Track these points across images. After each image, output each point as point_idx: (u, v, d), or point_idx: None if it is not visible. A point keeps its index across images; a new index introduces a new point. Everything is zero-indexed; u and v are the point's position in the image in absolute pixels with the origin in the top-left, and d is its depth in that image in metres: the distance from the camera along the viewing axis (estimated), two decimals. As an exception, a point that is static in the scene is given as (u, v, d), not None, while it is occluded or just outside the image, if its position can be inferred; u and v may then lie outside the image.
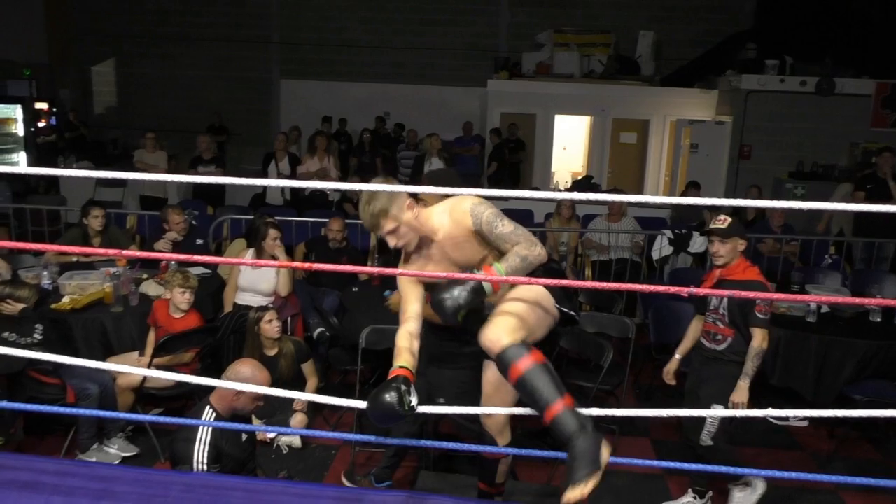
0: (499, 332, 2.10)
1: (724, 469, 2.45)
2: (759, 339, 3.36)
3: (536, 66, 11.80)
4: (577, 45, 11.87)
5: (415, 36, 13.24)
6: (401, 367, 2.15)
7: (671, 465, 2.16)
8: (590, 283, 2.21)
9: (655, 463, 2.20)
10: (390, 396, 2.00)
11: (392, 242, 2.28)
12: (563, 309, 2.42)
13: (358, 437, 2.66)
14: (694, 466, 2.11)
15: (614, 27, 12.22)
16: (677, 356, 3.77)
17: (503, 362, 2.07)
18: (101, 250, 2.21)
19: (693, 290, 2.98)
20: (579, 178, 10.98)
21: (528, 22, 12.77)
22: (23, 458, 2.76)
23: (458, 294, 2.13)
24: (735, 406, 3.40)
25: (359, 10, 13.29)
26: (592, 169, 11.50)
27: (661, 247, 6.31)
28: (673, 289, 2.82)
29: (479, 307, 2.28)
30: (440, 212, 2.36)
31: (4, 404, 3.02)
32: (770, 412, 2.10)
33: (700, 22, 12.51)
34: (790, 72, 10.16)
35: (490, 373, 2.56)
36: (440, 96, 12.97)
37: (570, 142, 12.44)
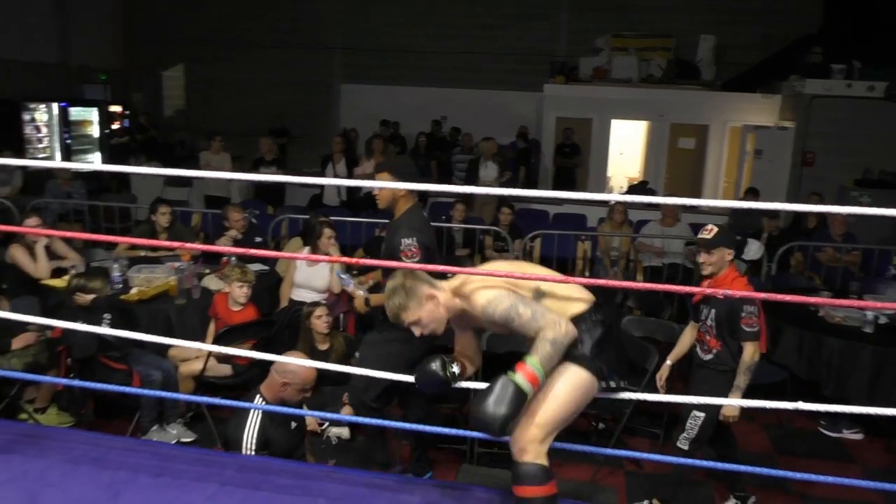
0: (525, 442, 2.07)
1: (755, 470, 2.45)
2: (749, 352, 3.35)
3: (594, 70, 11.76)
4: (635, 49, 11.79)
5: (474, 41, 13.36)
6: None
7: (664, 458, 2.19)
8: (615, 283, 2.25)
9: (656, 457, 2.23)
10: (435, 365, 2.26)
11: (416, 332, 2.24)
12: (612, 384, 2.22)
13: (402, 425, 2.75)
14: (724, 466, 2.14)
15: (675, 31, 12.08)
16: (668, 362, 3.78)
17: (519, 475, 2.07)
18: (167, 243, 2.38)
19: (728, 291, 3.00)
20: (635, 183, 10.90)
21: (587, 27, 12.74)
22: (93, 436, 2.98)
23: (494, 409, 1.96)
24: (726, 419, 3.41)
25: (419, 16, 13.51)
26: (649, 175, 11.38)
27: (715, 253, 6.23)
28: (706, 290, 2.84)
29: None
30: (463, 297, 2.24)
31: (78, 383, 3.26)
32: (801, 405, 2.13)
33: (764, 26, 12.25)
34: (858, 76, 9.86)
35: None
36: (497, 101, 13.05)
37: (627, 147, 12.34)
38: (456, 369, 2.27)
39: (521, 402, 1.99)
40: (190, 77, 14.88)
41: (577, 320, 2.14)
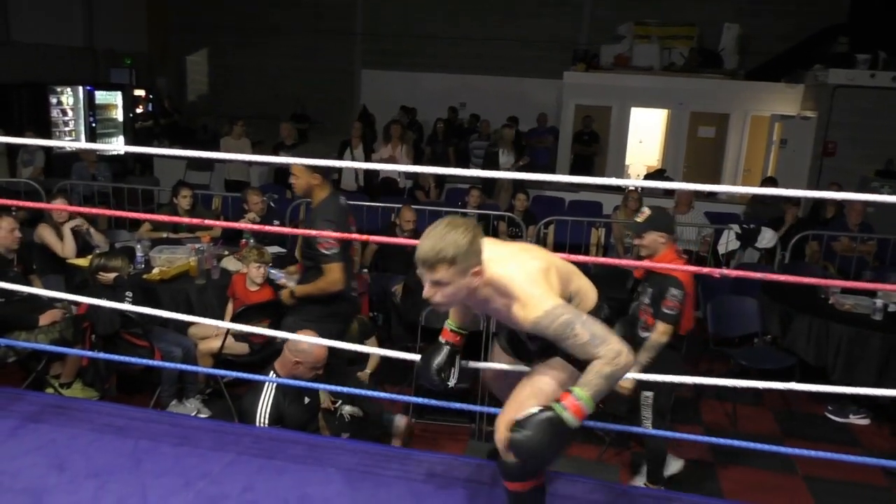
0: (502, 437, 1.96)
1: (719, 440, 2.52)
2: (658, 331, 3.40)
3: (615, 58, 11.72)
4: (658, 37, 11.73)
5: (496, 28, 13.37)
6: (452, 330, 2.25)
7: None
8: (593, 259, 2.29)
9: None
10: (436, 365, 2.20)
11: (428, 292, 1.90)
12: None
13: (417, 399, 2.84)
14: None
15: (698, 20, 12.00)
16: None
17: (513, 473, 2.00)
18: (189, 220, 2.49)
19: (724, 271, 3.04)
20: (653, 171, 10.88)
21: (610, 15, 12.69)
22: (117, 407, 3.12)
23: (540, 446, 1.76)
24: (621, 389, 3.40)
25: (441, 3, 13.53)
26: (668, 163, 11.35)
27: (728, 241, 6.26)
28: (703, 269, 2.89)
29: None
30: (502, 292, 1.94)
31: (102, 355, 3.40)
32: (793, 385, 2.19)
33: (790, 15, 12.12)
34: (882, 67, 9.75)
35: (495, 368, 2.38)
36: (518, 88, 13.06)
37: (647, 135, 12.30)
38: (453, 376, 2.22)
39: (565, 435, 1.79)
40: (213, 62, 15.06)
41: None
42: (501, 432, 1.96)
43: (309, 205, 3.72)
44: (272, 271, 4.56)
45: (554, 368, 2.02)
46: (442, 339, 2.25)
